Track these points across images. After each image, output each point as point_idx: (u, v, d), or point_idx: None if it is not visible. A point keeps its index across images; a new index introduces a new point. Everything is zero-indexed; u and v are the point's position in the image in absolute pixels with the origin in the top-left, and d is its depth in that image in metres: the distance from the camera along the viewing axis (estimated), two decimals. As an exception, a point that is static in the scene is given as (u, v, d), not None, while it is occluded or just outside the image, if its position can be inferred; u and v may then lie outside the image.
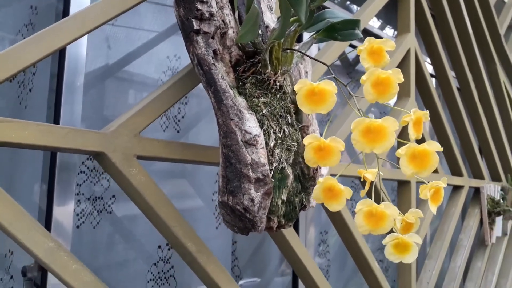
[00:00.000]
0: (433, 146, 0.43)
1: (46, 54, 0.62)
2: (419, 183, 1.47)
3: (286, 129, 0.66)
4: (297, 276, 1.44)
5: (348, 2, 1.80)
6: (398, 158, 0.46)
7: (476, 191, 1.92)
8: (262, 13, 0.73)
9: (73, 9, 0.95)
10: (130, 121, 0.68)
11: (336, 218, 1.07)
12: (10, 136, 0.54)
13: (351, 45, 1.72)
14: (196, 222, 1.18)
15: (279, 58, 0.64)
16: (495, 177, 2.06)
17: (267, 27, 0.73)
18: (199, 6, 0.62)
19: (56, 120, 0.90)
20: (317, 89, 0.47)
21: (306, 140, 0.49)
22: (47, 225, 0.86)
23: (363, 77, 0.45)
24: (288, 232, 0.90)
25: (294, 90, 0.72)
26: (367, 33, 1.64)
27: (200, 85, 1.30)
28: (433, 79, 2.00)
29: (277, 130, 0.65)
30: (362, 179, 0.50)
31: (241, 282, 1.31)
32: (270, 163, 0.62)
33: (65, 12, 0.96)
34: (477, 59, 1.90)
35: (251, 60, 0.66)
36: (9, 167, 0.94)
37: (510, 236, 2.18)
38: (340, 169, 0.92)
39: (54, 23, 0.65)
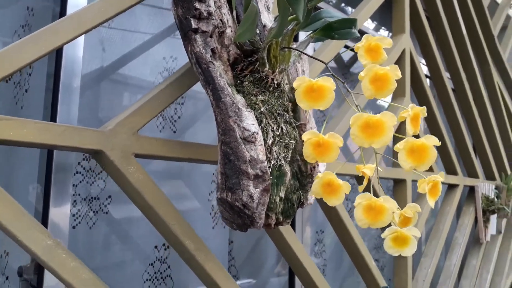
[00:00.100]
0: (431, 140, 0.44)
1: (42, 54, 0.62)
2: (415, 181, 1.48)
3: (284, 127, 0.67)
4: (293, 275, 1.45)
5: (343, 4, 1.81)
6: (396, 153, 0.46)
7: (471, 190, 1.94)
8: (260, 13, 0.74)
9: (70, 10, 0.95)
10: (128, 120, 0.68)
11: (333, 216, 1.08)
12: (9, 134, 0.54)
13: (346, 46, 1.73)
14: (192, 222, 1.17)
15: (277, 56, 0.64)
16: (489, 176, 2.08)
17: (264, 26, 0.73)
18: (197, 5, 0.63)
19: (53, 121, 0.90)
20: (315, 86, 0.48)
21: (305, 136, 0.49)
22: (43, 225, 0.86)
23: (361, 73, 0.46)
24: (285, 229, 0.91)
25: (292, 88, 0.72)
26: (362, 34, 1.64)
27: (196, 87, 1.30)
28: (428, 80, 2.01)
29: (275, 128, 0.65)
30: (361, 175, 0.51)
31: (238, 282, 1.32)
32: (268, 160, 0.62)
33: (62, 14, 0.96)
34: (471, 60, 1.91)
35: (249, 59, 0.67)
36: (5, 168, 0.94)
37: (504, 234, 2.19)
38: (337, 167, 0.93)
39: (50, 23, 0.65)
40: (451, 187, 1.80)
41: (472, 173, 1.92)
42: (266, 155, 0.62)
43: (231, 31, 0.67)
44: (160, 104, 0.72)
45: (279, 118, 0.67)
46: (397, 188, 1.39)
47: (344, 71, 1.77)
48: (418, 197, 1.56)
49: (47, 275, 0.87)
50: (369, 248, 1.83)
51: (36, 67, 0.99)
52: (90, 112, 1.04)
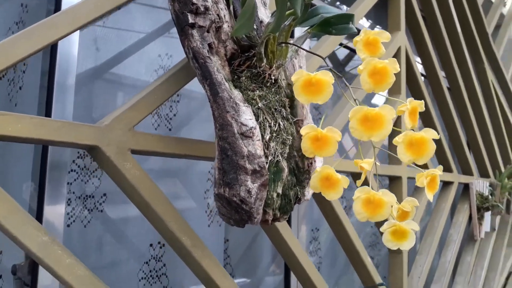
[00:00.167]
0: (430, 134, 0.44)
1: (37, 49, 0.62)
2: (411, 178, 1.49)
3: (281, 123, 0.67)
4: (289, 274, 1.45)
5: (338, 3, 1.81)
6: (391, 149, 0.46)
7: (466, 187, 1.95)
8: (257, 8, 0.73)
9: (64, 7, 0.94)
10: (124, 115, 0.67)
11: (328, 212, 1.08)
12: (7, 129, 0.54)
13: (340, 44, 1.73)
14: (188, 221, 1.17)
15: (274, 51, 0.64)
16: (484, 174, 2.09)
17: (261, 22, 0.73)
18: (194, 0, 0.62)
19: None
20: (314, 80, 0.48)
21: (303, 130, 0.49)
22: (38, 223, 0.85)
23: (360, 67, 0.46)
24: (281, 226, 0.91)
25: (289, 84, 0.72)
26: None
27: (191, 86, 1.30)
28: (422, 78, 2.02)
29: (272, 124, 0.65)
30: (359, 169, 0.50)
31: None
32: (266, 156, 0.62)
33: (56, 10, 0.95)
34: (466, 58, 1.93)
35: (246, 54, 0.66)
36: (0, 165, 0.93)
37: (498, 231, 2.21)
38: (333, 164, 0.93)
39: (45, 18, 0.64)
40: (446, 184, 1.81)
41: (466, 171, 1.93)
42: (264, 150, 0.61)
43: (228, 26, 0.66)
44: (156, 100, 0.72)
45: (277, 114, 0.66)
46: (392, 185, 1.39)
47: (339, 69, 1.77)
48: (414, 194, 1.57)
49: (42, 273, 0.86)
50: (364, 246, 1.83)
51: (30, 64, 0.98)
52: (85, 110, 1.03)
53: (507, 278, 2.37)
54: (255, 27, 0.69)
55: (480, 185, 1.93)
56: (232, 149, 0.57)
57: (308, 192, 0.72)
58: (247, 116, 0.59)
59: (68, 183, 0.97)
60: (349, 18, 0.65)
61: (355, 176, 1.18)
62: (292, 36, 1.32)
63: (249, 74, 0.65)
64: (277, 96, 0.67)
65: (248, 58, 0.65)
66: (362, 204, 0.44)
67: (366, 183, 0.49)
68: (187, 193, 1.23)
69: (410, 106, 0.48)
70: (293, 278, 1.43)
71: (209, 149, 0.79)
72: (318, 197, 1.07)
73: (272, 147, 0.64)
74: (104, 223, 1.05)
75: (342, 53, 1.84)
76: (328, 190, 0.48)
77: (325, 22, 0.66)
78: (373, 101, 1.85)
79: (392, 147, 1.37)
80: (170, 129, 1.19)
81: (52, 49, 0.95)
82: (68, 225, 0.97)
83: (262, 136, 0.62)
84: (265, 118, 0.64)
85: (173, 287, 1.16)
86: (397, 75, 1.50)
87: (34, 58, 0.97)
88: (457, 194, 1.95)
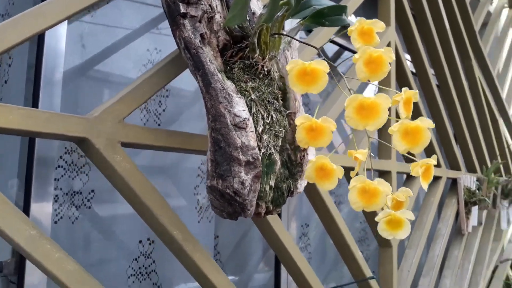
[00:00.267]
0: (425, 123, 0.44)
1: (24, 38, 0.60)
2: (400, 173, 1.49)
3: (274, 115, 0.66)
4: (279, 268, 1.45)
5: None
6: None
7: (454, 182, 1.97)
8: (248, -1, 0.72)
9: None
10: (114, 107, 0.66)
11: (319, 206, 1.08)
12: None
13: (332, 41, 1.74)
14: (178, 216, 1.17)
15: (267, 42, 0.63)
16: (471, 169, 2.12)
17: (253, 13, 0.72)
18: (185, -11, 0.61)
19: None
20: (309, 69, 0.47)
21: (298, 121, 0.48)
22: (25, 219, 0.84)
23: (356, 56, 0.45)
24: (273, 219, 0.90)
25: (281, 77, 0.72)
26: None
27: (180, 84, 1.29)
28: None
29: (265, 116, 0.64)
30: (353, 159, 0.50)
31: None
32: (258, 149, 0.62)
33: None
34: (455, 57, 1.94)
35: (239, 45, 0.66)
36: (-15, 161, 0.91)
37: (484, 226, 2.24)
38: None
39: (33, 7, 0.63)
40: (434, 179, 1.82)
41: (454, 166, 1.95)
42: (256, 143, 0.61)
43: (220, 17, 0.66)
44: (147, 92, 0.71)
45: (269, 106, 0.66)
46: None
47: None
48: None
49: (28, 270, 0.85)
50: (354, 240, 1.84)
51: (16, 57, 0.96)
52: (73, 105, 1.02)
53: (493, 272, 2.41)
54: (247, 18, 0.68)
55: (467, 180, 1.96)
56: (225, 141, 0.56)
57: (301, 185, 0.72)
58: (240, 107, 0.58)
59: (55, 179, 0.95)
60: (342, 9, 0.65)
61: (345, 170, 1.18)
62: (282, 29, 1.31)
63: (241, 66, 0.64)
64: (270, 88, 0.67)
65: (241, 49, 0.65)
66: (357, 193, 0.44)
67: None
68: (177, 189, 1.22)
69: (405, 96, 0.48)
70: (283, 274, 1.44)
71: (201, 143, 0.78)
72: (309, 192, 1.07)
73: (265, 139, 0.63)
74: (92, 219, 1.03)
75: (331, 50, 1.85)
76: (322, 180, 0.48)
77: (318, 14, 0.65)
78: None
79: (382, 139, 1.37)
80: (159, 125, 1.18)
81: (39, 43, 0.94)
82: (56, 222, 0.95)
83: (255, 128, 0.61)
84: (258, 110, 0.63)
85: (163, 284, 1.15)
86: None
87: (20, 51, 0.95)
88: (445, 189, 1.97)
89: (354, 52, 1.79)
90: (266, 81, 0.66)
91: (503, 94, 2.81)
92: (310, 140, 0.48)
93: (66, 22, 0.97)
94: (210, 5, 0.65)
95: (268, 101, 0.66)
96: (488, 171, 2.13)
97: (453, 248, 1.98)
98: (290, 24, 1.22)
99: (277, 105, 0.68)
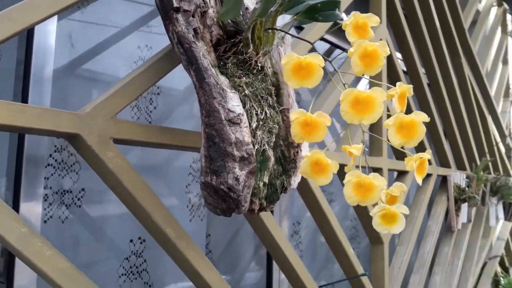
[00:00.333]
0: (420, 117, 0.44)
1: (14, 32, 0.59)
2: (391, 171, 1.50)
3: (267, 111, 0.66)
4: (271, 267, 1.45)
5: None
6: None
7: (444, 179, 1.99)
8: (241, -6, 0.72)
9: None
10: (106, 103, 0.65)
11: (311, 203, 1.08)
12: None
13: (322, 39, 1.74)
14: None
15: (261, 37, 0.63)
16: (460, 166, 2.14)
17: (246, 8, 0.72)
18: (178, -17, 0.61)
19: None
20: (304, 63, 0.47)
21: (293, 115, 0.48)
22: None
23: (351, 49, 0.45)
24: (265, 216, 0.90)
25: (274, 73, 0.72)
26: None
27: (170, 83, 1.28)
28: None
29: (259, 112, 0.64)
30: (347, 154, 0.50)
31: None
32: (252, 145, 0.61)
33: None
34: (445, 56, 1.96)
35: (232, 40, 0.65)
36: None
37: (474, 223, 2.26)
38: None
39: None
40: (425, 176, 1.83)
41: (444, 163, 1.97)
42: (251, 138, 0.60)
43: (213, 11, 0.65)
44: (139, 87, 0.70)
45: (263, 102, 0.65)
46: (374, 177, 1.40)
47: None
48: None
49: (18, 269, 0.84)
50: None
51: (4, 53, 0.94)
52: (63, 102, 1.00)
53: (482, 268, 2.44)
54: (241, 12, 0.68)
55: (457, 178, 1.97)
56: (219, 136, 0.56)
57: (294, 181, 0.72)
58: (234, 102, 0.58)
59: (45, 178, 0.94)
60: (335, 4, 0.65)
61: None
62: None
63: (235, 61, 0.63)
64: (264, 84, 0.66)
65: (234, 44, 0.64)
66: (353, 188, 0.44)
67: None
68: (168, 188, 1.21)
69: (399, 90, 0.48)
70: (275, 273, 1.44)
71: (194, 139, 0.78)
72: (301, 189, 1.07)
73: (259, 135, 0.63)
74: (82, 218, 1.02)
75: (322, 48, 1.85)
76: (317, 175, 0.48)
77: (312, 9, 0.65)
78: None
79: (373, 137, 1.38)
80: (150, 122, 1.17)
81: (28, 39, 0.92)
82: (45, 221, 0.94)
83: (249, 124, 0.61)
84: (252, 106, 0.63)
85: (154, 283, 1.14)
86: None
87: (9, 47, 0.94)
88: (435, 186, 1.99)
89: (344, 49, 1.80)
90: (259, 76, 0.66)
91: (492, 92, 2.84)
92: (305, 135, 0.48)
93: (56, 19, 0.96)
94: (203, 0, 0.64)
95: (262, 97, 0.65)
96: (478, 169, 2.15)
97: (443, 245, 2.00)
98: (281, 20, 1.22)
99: (270, 101, 0.68)
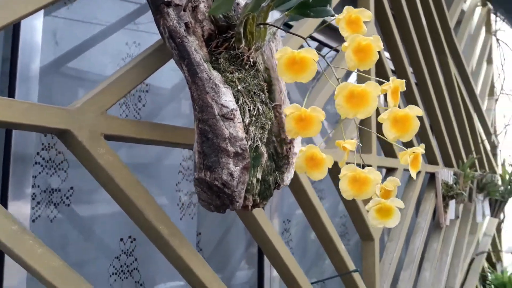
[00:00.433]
0: (414, 111, 0.44)
1: (2, 25, 0.58)
2: (380, 167, 1.51)
3: (260, 107, 0.66)
4: (262, 265, 1.45)
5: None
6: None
7: (432, 176, 2.01)
8: (233, -10, 0.72)
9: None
10: (96, 98, 0.64)
11: (303, 200, 1.08)
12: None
13: (311, 37, 1.74)
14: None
15: (253, 32, 0.63)
16: (448, 163, 2.17)
17: (237, 4, 0.72)
18: (169, -22, 0.60)
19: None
20: (298, 57, 0.47)
21: (287, 110, 0.48)
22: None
23: (345, 44, 0.45)
24: (257, 213, 0.90)
25: (266, 68, 0.71)
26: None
27: (159, 82, 1.26)
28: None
29: (251, 107, 0.64)
30: (341, 149, 0.50)
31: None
32: (246, 140, 0.61)
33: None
34: (432, 53, 1.98)
35: (224, 35, 0.65)
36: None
37: (461, 219, 2.29)
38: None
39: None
40: (413, 173, 1.85)
41: (432, 161, 1.99)
42: (244, 134, 0.60)
43: (205, 6, 0.65)
44: (129, 83, 0.69)
45: (256, 98, 0.65)
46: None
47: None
48: (383, 184, 1.60)
49: (8, 269, 0.82)
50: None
51: (-11, 50, 0.92)
52: (51, 100, 0.99)
53: (470, 264, 2.47)
54: (232, 7, 0.67)
55: (445, 174, 2.00)
56: (213, 132, 0.55)
57: (287, 178, 0.72)
58: (227, 97, 0.57)
59: (33, 177, 0.92)
60: (327, 0, 0.65)
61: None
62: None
63: (227, 56, 0.63)
64: (256, 80, 0.66)
65: (226, 39, 0.64)
66: (348, 182, 0.44)
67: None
68: (158, 186, 1.20)
69: (393, 85, 0.48)
70: (266, 271, 1.44)
71: (186, 135, 0.77)
72: (293, 186, 1.07)
73: (252, 131, 0.63)
74: (71, 217, 1.01)
75: (311, 46, 1.85)
76: (312, 170, 0.48)
77: (303, 5, 0.65)
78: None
79: (364, 132, 1.39)
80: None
81: (14, 35, 0.91)
82: (33, 221, 0.92)
83: (242, 119, 0.61)
84: (245, 101, 0.62)
85: (145, 282, 1.13)
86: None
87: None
88: (424, 183, 2.01)
89: (331, 47, 1.80)
90: (252, 72, 0.65)
91: (477, 91, 2.88)
92: (300, 130, 0.48)
93: (42, 15, 0.95)
94: (194, -5, 0.64)
95: (254, 93, 0.65)
96: (464, 166, 2.18)
97: (432, 241, 2.02)
98: (271, 17, 1.22)
99: (263, 97, 0.67)
